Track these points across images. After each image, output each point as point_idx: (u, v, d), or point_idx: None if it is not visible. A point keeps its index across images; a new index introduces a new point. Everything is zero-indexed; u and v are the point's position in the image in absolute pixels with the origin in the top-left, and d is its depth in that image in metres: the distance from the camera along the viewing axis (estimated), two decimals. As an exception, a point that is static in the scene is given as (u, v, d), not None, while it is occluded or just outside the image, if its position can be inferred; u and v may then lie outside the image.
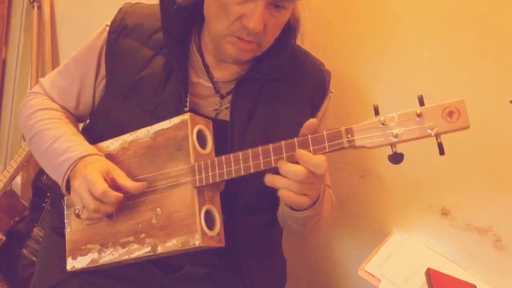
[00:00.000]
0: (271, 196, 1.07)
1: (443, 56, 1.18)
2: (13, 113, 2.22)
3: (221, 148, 0.98)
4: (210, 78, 1.05)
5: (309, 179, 0.83)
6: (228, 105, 1.04)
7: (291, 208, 0.94)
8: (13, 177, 1.83)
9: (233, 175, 0.89)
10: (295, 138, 0.84)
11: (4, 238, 1.81)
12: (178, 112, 1.00)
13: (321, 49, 1.21)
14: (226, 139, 1.00)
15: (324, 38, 1.35)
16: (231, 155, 0.89)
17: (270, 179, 0.85)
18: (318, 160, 0.81)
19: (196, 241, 0.89)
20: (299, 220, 0.97)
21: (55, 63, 1.98)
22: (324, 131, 0.81)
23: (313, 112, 1.08)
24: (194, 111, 1.03)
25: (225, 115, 1.04)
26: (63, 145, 1.00)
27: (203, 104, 1.05)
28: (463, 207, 1.25)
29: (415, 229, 1.34)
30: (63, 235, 1.08)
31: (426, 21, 1.19)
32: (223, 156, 0.90)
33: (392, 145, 0.77)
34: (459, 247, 1.27)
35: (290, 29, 1.04)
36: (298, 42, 1.11)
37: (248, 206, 1.07)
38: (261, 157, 0.86)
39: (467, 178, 1.21)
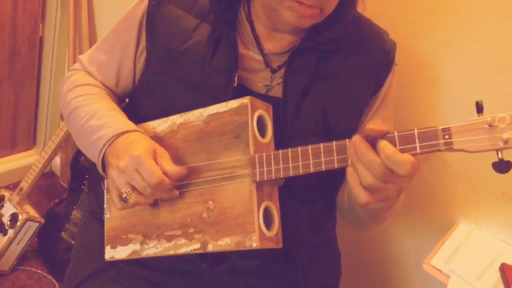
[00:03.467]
0: (326, 184, 1.00)
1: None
2: (51, 92, 2.18)
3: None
4: (260, 50, 0.95)
5: (386, 177, 0.71)
6: (280, 80, 0.94)
7: None
8: (51, 158, 1.78)
9: (300, 171, 0.79)
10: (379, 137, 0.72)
11: (43, 220, 1.77)
12: (226, 88, 0.91)
13: (379, 16, 1.08)
14: (278, 119, 0.91)
15: (383, 4, 1.22)
16: (299, 148, 0.79)
17: (352, 171, 0.73)
18: (404, 158, 0.69)
19: (254, 243, 0.80)
20: (369, 210, 0.88)
21: (92, 39, 1.92)
22: (415, 129, 0.70)
23: (376, 88, 0.97)
24: (243, 86, 0.95)
25: (277, 92, 0.95)
26: (99, 121, 0.92)
27: (252, 79, 0.96)
28: (544, 196, 1.11)
29: (484, 219, 1.20)
30: (101, 221, 1.02)
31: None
32: (289, 149, 0.80)
33: (499, 150, 0.66)
34: (537, 240, 1.13)
35: (350, -8, 0.93)
36: (359, 9, 0.99)
37: (302, 196, 0.97)
38: (335, 153, 0.76)
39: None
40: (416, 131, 0.70)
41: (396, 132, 0.71)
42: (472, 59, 1.13)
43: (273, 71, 0.95)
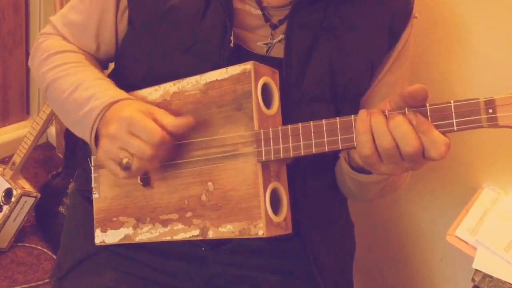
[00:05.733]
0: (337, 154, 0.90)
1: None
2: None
3: None
4: (258, 3, 0.84)
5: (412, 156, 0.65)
6: (282, 36, 0.84)
7: (351, 167, 0.78)
8: (43, 130, 1.68)
9: (313, 150, 0.70)
10: (406, 109, 0.64)
11: (39, 195, 1.70)
12: (222, 49, 0.82)
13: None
14: (281, 83, 0.81)
15: None
16: (311, 123, 0.70)
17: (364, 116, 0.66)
18: (439, 138, 0.61)
19: (260, 231, 0.73)
20: (358, 183, 0.81)
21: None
22: (452, 102, 0.61)
23: (391, 44, 0.87)
24: (240, 47, 0.85)
25: (278, 51, 0.85)
26: (86, 93, 0.82)
27: (250, 38, 0.86)
28: None
29: (510, 182, 1.12)
30: (91, 201, 0.93)
31: None
32: (300, 124, 0.72)
33: None
34: None
35: None
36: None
37: (309, 166, 0.89)
38: (354, 129, 0.68)
39: None
40: (452, 104, 0.61)
41: (428, 105, 0.62)
42: (507, 9, 1.02)
43: (274, 27, 0.85)
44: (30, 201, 1.68)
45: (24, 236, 1.76)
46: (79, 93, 0.83)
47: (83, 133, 0.82)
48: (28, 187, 1.70)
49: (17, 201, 1.65)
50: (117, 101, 0.79)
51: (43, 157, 2.11)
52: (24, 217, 1.69)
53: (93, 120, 0.79)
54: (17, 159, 1.69)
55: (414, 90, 0.62)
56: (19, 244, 1.74)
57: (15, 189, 1.66)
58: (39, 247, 1.74)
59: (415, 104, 0.63)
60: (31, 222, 1.78)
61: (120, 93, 0.82)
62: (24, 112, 2.15)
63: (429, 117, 0.62)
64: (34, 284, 1.62)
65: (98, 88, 0.83)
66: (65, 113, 0.87)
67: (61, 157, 2.06)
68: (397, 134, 0.63)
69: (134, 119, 0.73)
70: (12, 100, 2.08)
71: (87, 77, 0.86)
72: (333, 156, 0.90)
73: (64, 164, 1.74)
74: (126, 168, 0.75)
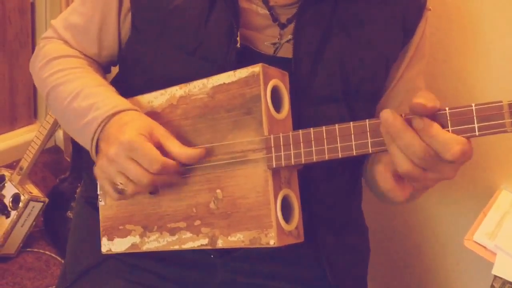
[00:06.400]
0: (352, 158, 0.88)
1: None
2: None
3: None
4: (265, 2, 0.82)
5: (427, 163, 0.60)
6: (290, 36, 0.82)
7: None
8: (50, 133, 1.66)
9: (326, 157, 0.67)
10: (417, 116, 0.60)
11: (47, 200, 1.68)
12: (228, 50, 0.79)
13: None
14: (290, 83, 0.78)
15: None
16: (324, 128, 0.67)
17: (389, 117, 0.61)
18: (451, 138, 0.57)
19: (271, 240, 0.70)
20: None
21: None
22: (473, 105, 0.57)
23: (405, 39, 0.85)
24: (247, 48, 0.82)
25: (286, 51, 0.82)
26: (86, 102, 0.80)
27: (257, 38, 0.83)
28: None
29: None
30: (96, 208, 0.91)
31: None
32: (312, 129, 0.69)
33: None
34: None
35: None
36: None
37: (322, 169, 0.86)
38: (368, 135, 0.64)
39: None
40: (474, 108, 0.57)
41: (447, 109, 0.58)
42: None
43: (282, 26, 0.82)
44: (38, 206, 1.67)
45: (32, 242, 1.74)
46: (79, 101, 0.81)
47: (84, 143, 0.81)
48: (36, 192, 1.69)
49: (25, 206, 1.63)
50: (118, 112, 0.77)
51: (51, 161, 2.10)
52: (32, 222, 1.68)
53: (93, 131, 0.77)
54: (25, 163, 1.67)
55: (412, 105, 0.58)
56: (27, 249, 1.72)
57: (23, 194, 1.64)
58: (47, 252, 1.73)
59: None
60: (40, 227, 1.77)
61: (121, 103, 0.80)
62: (32, 116, 2.14)
63: (448, 122, 0.58)
64: (42, 290, 1.60)
65: (99, 97, 0.81)
66: (66, 122, 0.86)
67: (69, 160, 2.05)
68: (401, 146, 0.60)
69: (134, 144, 0.71)
70: (19, 104, 2.07)
71: (88, 84, 0.84)
72: (349, 160, 0.88)
73: (71, 168, 1.73)
74: (121, 192, 0.75)
